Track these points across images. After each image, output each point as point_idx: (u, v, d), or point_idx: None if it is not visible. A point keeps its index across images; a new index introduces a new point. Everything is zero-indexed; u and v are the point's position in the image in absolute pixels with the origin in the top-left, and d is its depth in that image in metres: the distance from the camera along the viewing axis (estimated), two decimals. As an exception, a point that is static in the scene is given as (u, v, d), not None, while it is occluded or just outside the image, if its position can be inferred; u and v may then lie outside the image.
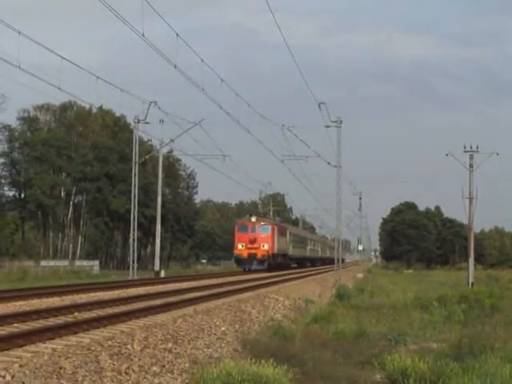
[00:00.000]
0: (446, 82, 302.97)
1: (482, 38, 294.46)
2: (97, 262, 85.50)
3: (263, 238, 61.14)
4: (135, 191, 55.25)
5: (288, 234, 72.29)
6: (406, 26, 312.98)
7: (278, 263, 65.86)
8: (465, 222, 72.49)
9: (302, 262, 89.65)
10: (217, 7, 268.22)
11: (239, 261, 61.98)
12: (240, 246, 60.91)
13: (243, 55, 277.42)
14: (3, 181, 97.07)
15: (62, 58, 35.51)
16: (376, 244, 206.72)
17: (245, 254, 60.55)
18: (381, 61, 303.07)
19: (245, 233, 61.27)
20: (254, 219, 62.39)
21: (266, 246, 60.90)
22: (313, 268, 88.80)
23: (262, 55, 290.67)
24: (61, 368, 12.02)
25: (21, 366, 11.55)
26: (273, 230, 62.53)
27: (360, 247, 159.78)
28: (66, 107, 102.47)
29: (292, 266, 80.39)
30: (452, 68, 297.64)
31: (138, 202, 57.29)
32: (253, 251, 60.43)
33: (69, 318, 18.02)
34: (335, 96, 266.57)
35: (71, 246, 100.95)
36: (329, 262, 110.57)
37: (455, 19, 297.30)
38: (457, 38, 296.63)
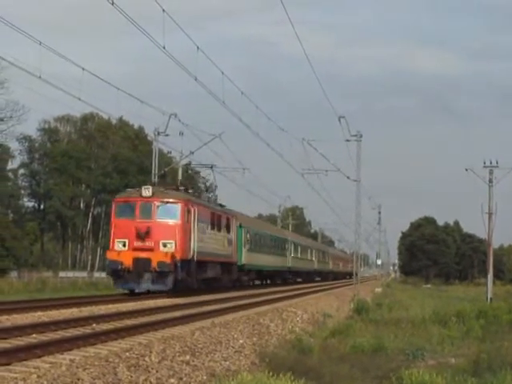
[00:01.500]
0: (463, 96, 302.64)
1: (498, 53, 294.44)
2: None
3: (165, 229, 33.04)
4: (154, 203, 55.11)
5: (236, 228, 44.76)
6: (423, 41, 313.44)
7: (207, 279, 39.01)
8: (484, 237, 72.03)
9: (282, 276, 64.82)
10: (235, 20, 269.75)
11: (115, 273, 33.08)
12: (119, 246, 32.95)
13: (261, 67, 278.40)
14: (23, 192, 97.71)
15: (83, 68, 35.67)
16: (395, 258, 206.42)
17: (126, 260, 32.34)
18: (397, 74, 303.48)
19: (129, 218, 33.23)
20: (148, 192, 33.45)
21: (171, 246, 32.74)
22: (314, 284, 69.28)
23: (280, 67, 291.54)
24: (78, 379, 12.04)
25: (39, 376, 11.59)
26: (186, 212, 33.96)
27: (379, 261, 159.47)
28: (87, 118, 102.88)
29: (263, 282, 58.92)
30: (468, 82, 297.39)
31: (157, 214, 57.22)
32: (143, 255, 32.36)
33: (87, 330, 18.05)
34: (351, 108, 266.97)
35: (90, 257, 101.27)
36: (333, 277, 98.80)
37: (471, 34, 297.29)
38: (473, 53, 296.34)
